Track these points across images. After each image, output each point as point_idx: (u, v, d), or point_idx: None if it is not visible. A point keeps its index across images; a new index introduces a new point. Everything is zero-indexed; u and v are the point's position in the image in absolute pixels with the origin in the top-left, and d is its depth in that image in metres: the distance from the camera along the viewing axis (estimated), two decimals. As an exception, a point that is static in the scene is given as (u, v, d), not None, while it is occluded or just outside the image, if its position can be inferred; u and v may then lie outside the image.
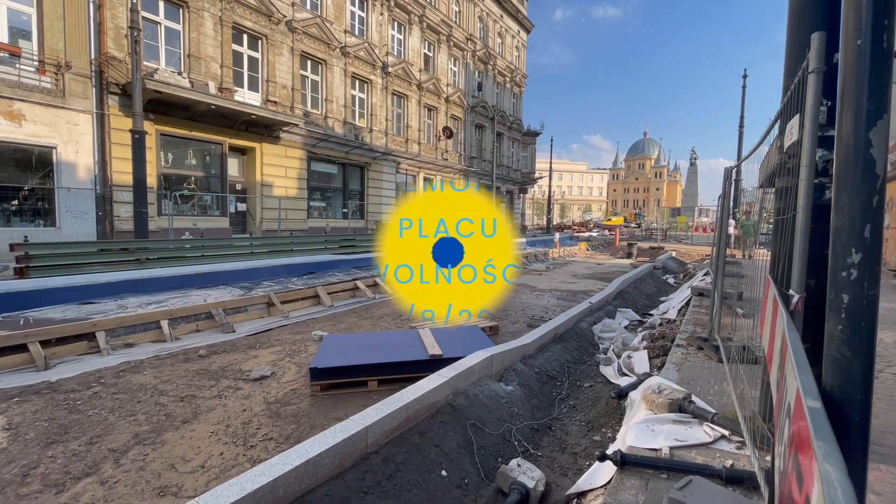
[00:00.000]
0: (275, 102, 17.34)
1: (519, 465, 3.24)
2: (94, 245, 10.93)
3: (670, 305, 9.48)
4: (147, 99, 12.35)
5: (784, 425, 1.02)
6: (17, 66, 11.25)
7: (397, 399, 3.35)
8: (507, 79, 35.45)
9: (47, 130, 11.68)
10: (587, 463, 3.50)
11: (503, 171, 34.94)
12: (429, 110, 26.96)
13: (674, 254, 22.77)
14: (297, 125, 17.41)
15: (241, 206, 17.03)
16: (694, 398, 3.49)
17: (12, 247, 8.74)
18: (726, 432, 3.04)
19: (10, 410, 4.22)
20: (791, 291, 1.89)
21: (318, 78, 19.69)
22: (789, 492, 0.86)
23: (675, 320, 7.84)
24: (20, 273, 8.54)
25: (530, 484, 3.08)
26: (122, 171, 12.82)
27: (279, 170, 17.81)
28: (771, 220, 3.41)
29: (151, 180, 13.11)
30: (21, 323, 6.82)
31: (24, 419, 4.04)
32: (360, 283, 10.43)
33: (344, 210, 21.80)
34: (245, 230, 17.02)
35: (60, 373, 5.20)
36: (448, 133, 27.18)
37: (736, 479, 2.46)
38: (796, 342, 1.17)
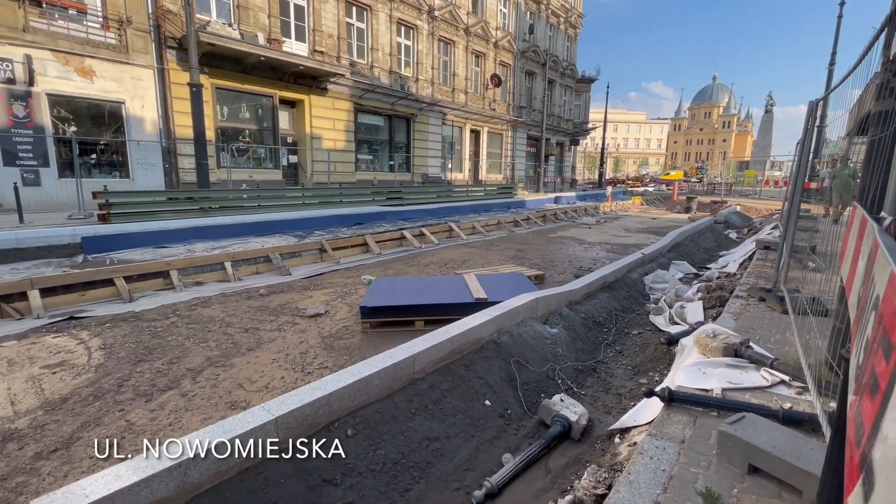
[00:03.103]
0: (321, 52, 17.24)
1: (562, 400, 3.29)
2: (163, 194, 11.75)
3: (731, 259, 8.93)
4: (201, 52, 12.66)
5: (868, 320, 0.94)
6: (85, 22, 11.81)
7: (443, 332, 3.46)
8: (562, 19, 32.90)
9: (115, 86, 12.36)
10: (632, 403, 3.48)
11: (554, 121, 33.29)
12: (476, 57, 25.79)
13: (738, 208, 21.19)
14: (343, 75, 17.30)
15: (293, 159, 17.51)
16: (752, 344, 3.33)
17: (94, 195, 9.57)
18: (786, 377, 2.90)
19: (104, 334, 4.78)
20: (883, 214, 1.68)
21: (363, 25, 19.25)
22: (873, 378, 0.80)
23: (734, 274, 7.39)
24: (103, 219, 9.39)
25: (573, 418, 3.13)
26: (183, 124, 13.45)
27: (327, 122, 17.98)
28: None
29: (210, 133, 13.70)
30: (107, 262, 7.59)
31: (116, 341, 4.57)
32: (406, 233, 10.60)
33: (390, 163, 21.86)
34: (297, 182, 17.58)
35: (142, 305, 5.79)
36: (496, 81, 26.02)
37: (794, 419, 2.36)
38: (889, 241, 1.05)
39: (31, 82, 10.94)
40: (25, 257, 7.74)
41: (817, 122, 5.48)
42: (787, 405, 2.60)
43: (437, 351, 3.28)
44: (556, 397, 3.33)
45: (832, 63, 18.68)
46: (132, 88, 12.67)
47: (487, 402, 3.32)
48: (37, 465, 2.65)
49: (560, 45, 33.36)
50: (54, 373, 3.85)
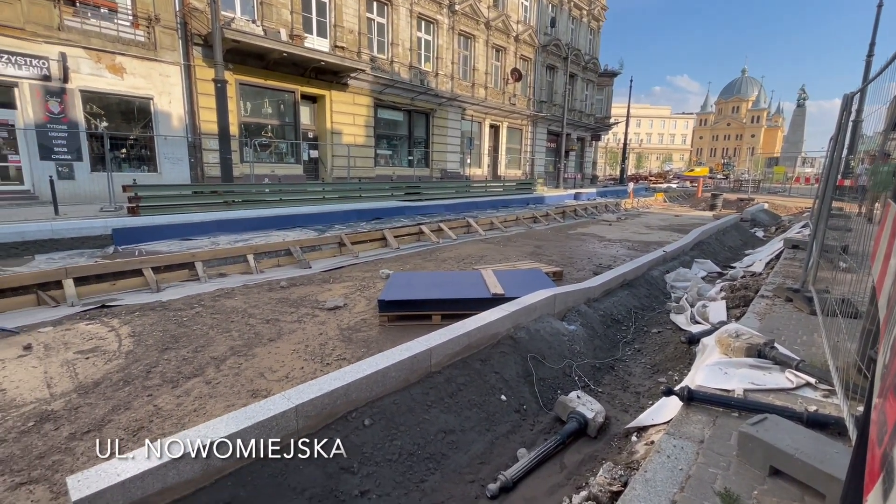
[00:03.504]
0: (342, 48, 17.37)
1: (578, 397, 3.27)
2: (188, 188, 12.09)
3: (757, 258, 8.67)
4: (226, 49, 12.91)
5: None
6: (116, 21, 12.18)
7: (459, 327, 3.48)
8: (584, 12, 32.31)
9: (144, 82, 12.73)
10: (650, 402, 3.44)
11: (575, 115, 32.79)
12: (497, 51, 25.58)
13: (766, 206, 20.53)
14: (363, 70, 17.41)
15: (314, 154, 17.74)
16: (776, 345, 3.24)
17: (124, 188, 9.91)
18: (812, 380, 2.82)
19: (134, 322, 4.97)
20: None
21: (383, 20, 19.30)
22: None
23: (760, 273, 7.19)
24: (132, 211, 9.72)
25: (589, 415, 3.11)
26: (208, 119, 13.76)
27: (347, 117, 18.14)
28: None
29: (233, 128, 14.00)
30: (136, 253, 7.86)
31: (144, 329, 4.75)
32: (424, 228, 10.64)
33: (409, 158, 21.94)
34: (317, 177, 17.82)
35: (169, 295, 5.99)
36: (517, 75, 25.77)
37: (819, 422, 2.29)
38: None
39: (65, 79, 11.35)
40: (60, 247, 8.08)
41: (852, 117, 5.27)
42: (812, 408, 2.53)
43: (454, 345, 3.30)
44: (573, 394, 3.31)
45: (870, 54, 17.83)
46: (160, 85, 13.03)
47: (503, 397, 3.32)
48: (71, 444, 2.79)
49: (582, 38, 32.79)
50: (87, 358, 4.02)
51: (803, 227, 11.25)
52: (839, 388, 2.53)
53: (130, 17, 12.45)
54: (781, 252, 8.19)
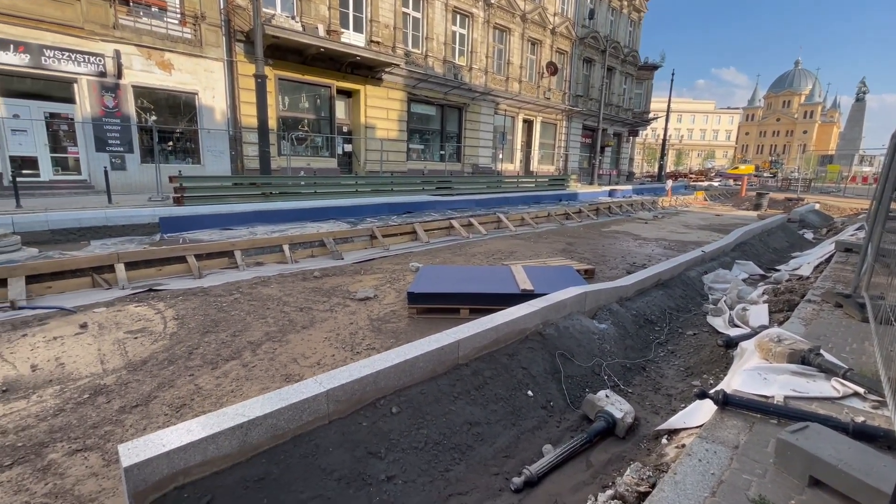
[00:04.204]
0: (378, 43, 17.54)
1: (607, 396, 3.22)
2: (229, 179, 12.58)
3: (805, 261, 8.22)
4: (266, 45, 13.31)
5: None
6: (165, 19, 12.77)
7: (487, 321, 3.48)
8: (625, 3, 31.27)
9: (190, 78, 13.30)
10: (682, 405, 3.35)
11: (612, 110, 31.89)
12: (532, 44, 25.16)
13: (817, 206, 19.35)
14: (398, 65, 17.54)
15: (347, 148, 18.07)
16: (822, 352, 3.08)
17: (171, 179, 10.42)
18: (861, 389, 2.66)
19: (178, 305, 5.25)
20: None
21: (419, 15, 19.34)
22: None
23: (808, 277, 6.81)
24: (177, 201, 10.21)
25: (618, 415, 3.06)
26: (248, 113, 14.25)
27: (381, 112, 18.34)
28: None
29: (272, 122, 14.44)
30: (181, 241, 8.27)
31: (187, 313, 5.00)
32: (454, 223, 10.66)
33: (441, 152, 21.97)
34: (351, 171, 18.15)
35: (210, 281, 6.28)
36: (552, 69, 25.29)
37: (866, 434, 2.17)
38: None
39: (119, 75, 12.02)
40: (113, 234, 8.62)
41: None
42: (859, 418, 2.39)
43: (481, 339, 3.32)
44: (602, 393, 3.26)
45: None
46: (204, 80, 13.58)
47: (530, 393, 3.31)
48: (121, 417, 2.99)
49: (622, 30, 31.77)
50: (136, 338, 4.29)
51: (858, 229, 10.56)
52: (891, 399, 2.39)
53: (179, 16, 13.01)
54: (832, 255, 7.73)
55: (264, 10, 14.07)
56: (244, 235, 8.93)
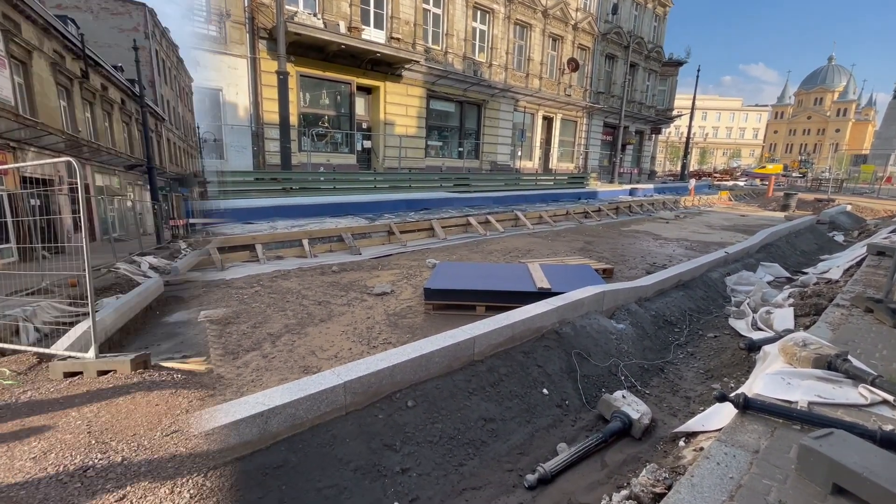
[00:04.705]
0: (398, 39, 17.59)
1: (624, 397, 3.19)
2: (251, 174, 12.82)
3: (834, 264, 7.94)
4: (288, 41, 13.48)
5: None
6: (192, 17, 13.07)
7: (503, 318, 3.48)
8: (650, -3, 30.55)
9: (215, 74, 13.59)
10: (701, 408, 3.29)
11: (634, 107, 31.26)
12: (553, 40, 24.84)
13: (848, 208, 18.65)
14: (418, 62, 17.55)
15: (367, 144, 18.19)
16: (850, 357, 2.98)
17: (195, 174, 10.69)
18: (890, 397, 2.58)
19: (201, 297, 5.40)
20: None
21: (439, 11, 19.30)
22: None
23: (837, 281, 6.58)
24: (202, 196, 10.47)
25: (634, 416, 3.03)
26: (270, 110, 14.48)
27: (400, 108, 18.40)
28: None
29: (293, 119, 14.64)
30: (204, 234, 8.48)
31: (210, 304, 5.14)
32: (472, 220, 10.66)
33: (459, 149, 21.92)
34: (369, 167, 18.27)
35: (232, 273, 6.43)
36: (574, 65, 24.92)
37: (894, 443, 2.10)
38: None
39: (147, 72, 12.34)
40: (140, 226, 8.88)
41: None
42: (887, 427, 2.31)
43: (497, 336, 3.32)
44: (618, 393, 3.24)
45: None
46: (228, 77, 13.85)
47: (545, 391, 3.31)
48: (148, 402, 3.09)
49: (646, 25, 31.07)
50: (161, 327, 4.42)
51: (892, 232, 10.15)
52: (922, 408, 2.30)
53: (204, 14, 13.29)
54: (864, 258, 7.46)
55: (287, 7, 14.25)
56: (265, 229, 9.10)
